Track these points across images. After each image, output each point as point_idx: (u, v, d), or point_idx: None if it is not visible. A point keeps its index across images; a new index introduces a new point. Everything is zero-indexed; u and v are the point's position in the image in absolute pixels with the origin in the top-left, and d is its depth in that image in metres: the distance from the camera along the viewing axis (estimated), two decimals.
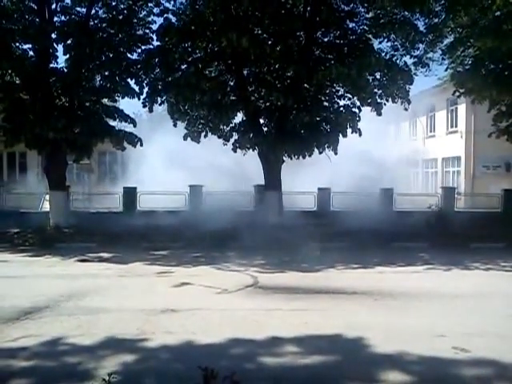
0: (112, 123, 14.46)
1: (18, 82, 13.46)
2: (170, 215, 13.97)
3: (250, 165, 15.72)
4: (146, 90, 13.81)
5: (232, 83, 14.56)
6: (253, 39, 12.30)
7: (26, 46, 13.55)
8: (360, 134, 13.62)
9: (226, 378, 2.76)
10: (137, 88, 13.79)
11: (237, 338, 5.14)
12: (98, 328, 5.50)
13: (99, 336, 5.18)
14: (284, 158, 14.28)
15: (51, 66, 13.40)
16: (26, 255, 11.03)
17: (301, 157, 13.91)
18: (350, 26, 14.08)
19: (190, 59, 13.86)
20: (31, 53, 13.57)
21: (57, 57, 13.54)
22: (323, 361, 4.60)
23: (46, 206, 16.65)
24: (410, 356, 4.61)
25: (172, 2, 14.09)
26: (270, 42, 13.28)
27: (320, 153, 14.01)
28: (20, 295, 7.12)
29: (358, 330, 5.37)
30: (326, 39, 14.29)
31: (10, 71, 12.77)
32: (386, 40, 14.08)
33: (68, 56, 13.29)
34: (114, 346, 4.94)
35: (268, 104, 14.20)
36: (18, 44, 13.41)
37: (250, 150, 14.20)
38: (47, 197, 17.07)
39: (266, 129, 14.48)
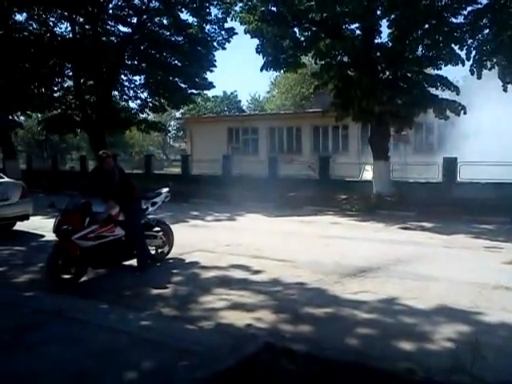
0: (434, 92, 14.18)
1: (346, 60, 14.58)
2: (495, 187, 12.93)
3: None
4: (472, 54, 12.98)
5: None
6: None
7: (353, 26, 14.57)
8: None
9: None
10: (462, 53, 13.12)
11: None
12: (429, 294, 5.67)
13: (431, 302, 5.34)
14: None
15: (376, 41, 14.05)
16: (352, 219, 12.12)
17: None
18: None
19: None
20: (358, 31, 14.47)
21: (381, 32, 14.13)
22: None
23: (365, 176, 17.79)
24: None
25: None
26: None
27: None
28: (352, 255, 7.90)
29: None
30: None
31: (340, 51, 13.94)
32: None
33: (392, 30, 13.61)
34: (448, 314, 5.01)
35: None
36: (346, 25, 14.49)
37: None
38: (366, 167, 18.22)
39: None
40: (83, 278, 6.60)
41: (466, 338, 4.39)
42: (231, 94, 57.42)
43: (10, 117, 23.34)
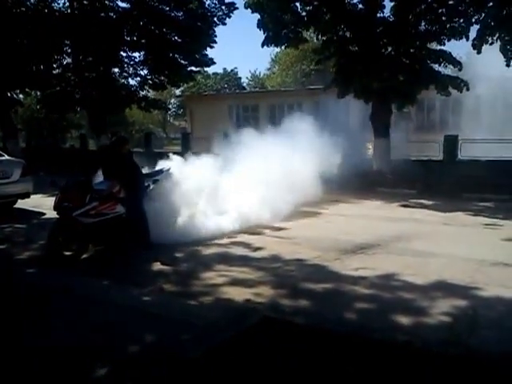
0: (436, 69, 14.01)
1: (348, 35, 14.32)
2: (496, 165, 12.89)
3: None
4: (473, 28, 12.79)
5: None
6: None
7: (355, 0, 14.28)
8: None
9: None
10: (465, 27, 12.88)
11: None
12: (428, 270, 5.71)
13: (430, 278, 5.40)
14: None
15: (378, 16, 13.78)
16: (352, 197, 12.10)
17: None
18: None
19: None
20: (360, 6, 14.19)
21: (384, 6, 13.86)
22: None
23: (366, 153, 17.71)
24: None
25: None
26: None
27: None
28: (352, 232, 7.96)
29: None
30: None
31: (342, 26, 13.71)
32: None
33: (395, 4, 13.37)
34: (446, 289, 5.06)
35: None
36: None
37: None
38: (367, 144, 18.12)
39: None
40: (84, 256, 6.66)
41: (464, 312, 4.46)
42: (231, 71, 56.93)
43: (9, 94, 23.13)
